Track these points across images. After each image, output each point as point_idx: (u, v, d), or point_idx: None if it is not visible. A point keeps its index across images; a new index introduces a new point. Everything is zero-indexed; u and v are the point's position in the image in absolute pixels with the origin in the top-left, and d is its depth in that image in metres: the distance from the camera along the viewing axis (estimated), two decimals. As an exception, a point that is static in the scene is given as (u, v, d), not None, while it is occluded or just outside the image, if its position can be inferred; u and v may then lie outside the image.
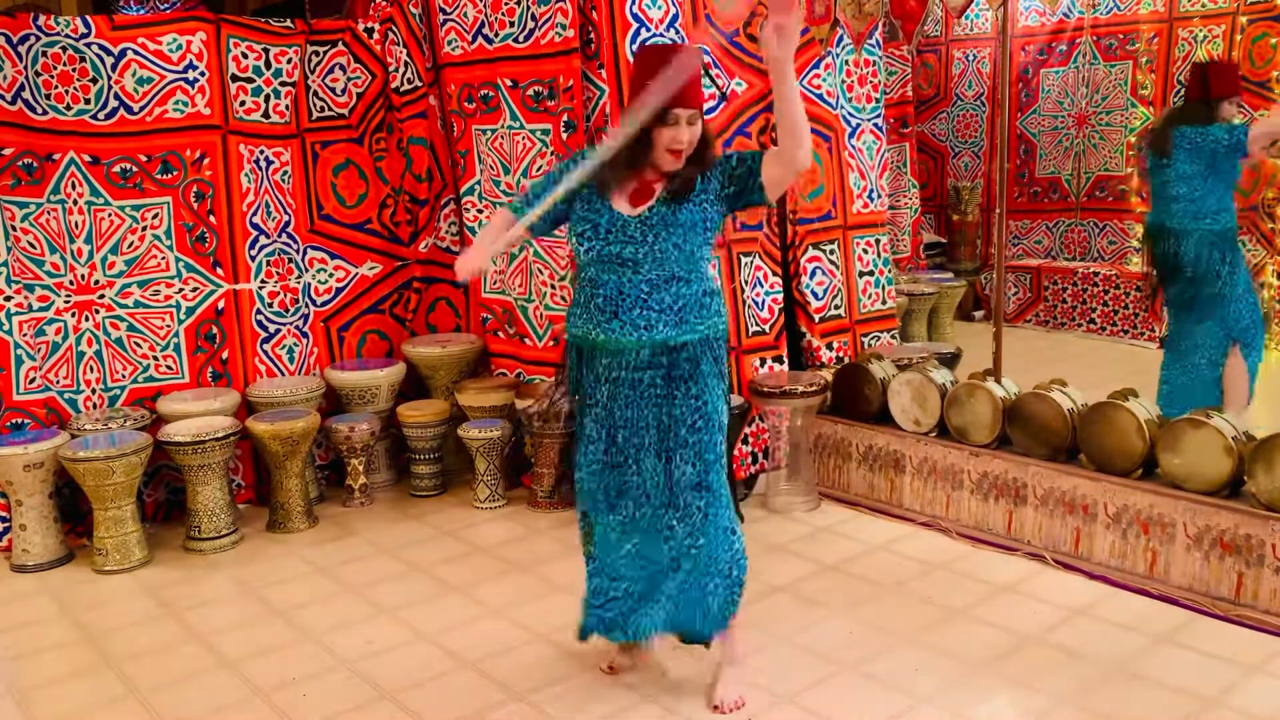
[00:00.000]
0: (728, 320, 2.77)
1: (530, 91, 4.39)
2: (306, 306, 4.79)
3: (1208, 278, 4.29)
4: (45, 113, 4.17)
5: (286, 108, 4.66)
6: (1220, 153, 4.18)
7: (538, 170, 4.46)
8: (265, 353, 4.66)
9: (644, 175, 2.66)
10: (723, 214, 2.69)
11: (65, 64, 4.17)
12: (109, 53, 4.23)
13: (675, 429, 2.66)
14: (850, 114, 5.09)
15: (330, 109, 4.80)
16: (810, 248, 4.88)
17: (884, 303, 5.22)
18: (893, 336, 5.24)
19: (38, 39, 4.11)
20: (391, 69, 4.83)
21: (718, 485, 2.73)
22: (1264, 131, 4.20)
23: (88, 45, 4.19)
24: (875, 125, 5.22)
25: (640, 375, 2.65)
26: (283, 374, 4.70)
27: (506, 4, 4.37)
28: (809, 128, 2.58)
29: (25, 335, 4.18)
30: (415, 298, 5.06)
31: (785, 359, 4.67)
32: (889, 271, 5.26)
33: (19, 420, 4.17)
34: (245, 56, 4.51)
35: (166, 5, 9.43)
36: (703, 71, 2.69)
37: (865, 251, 5.15)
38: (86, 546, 4.09)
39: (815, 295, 4.85)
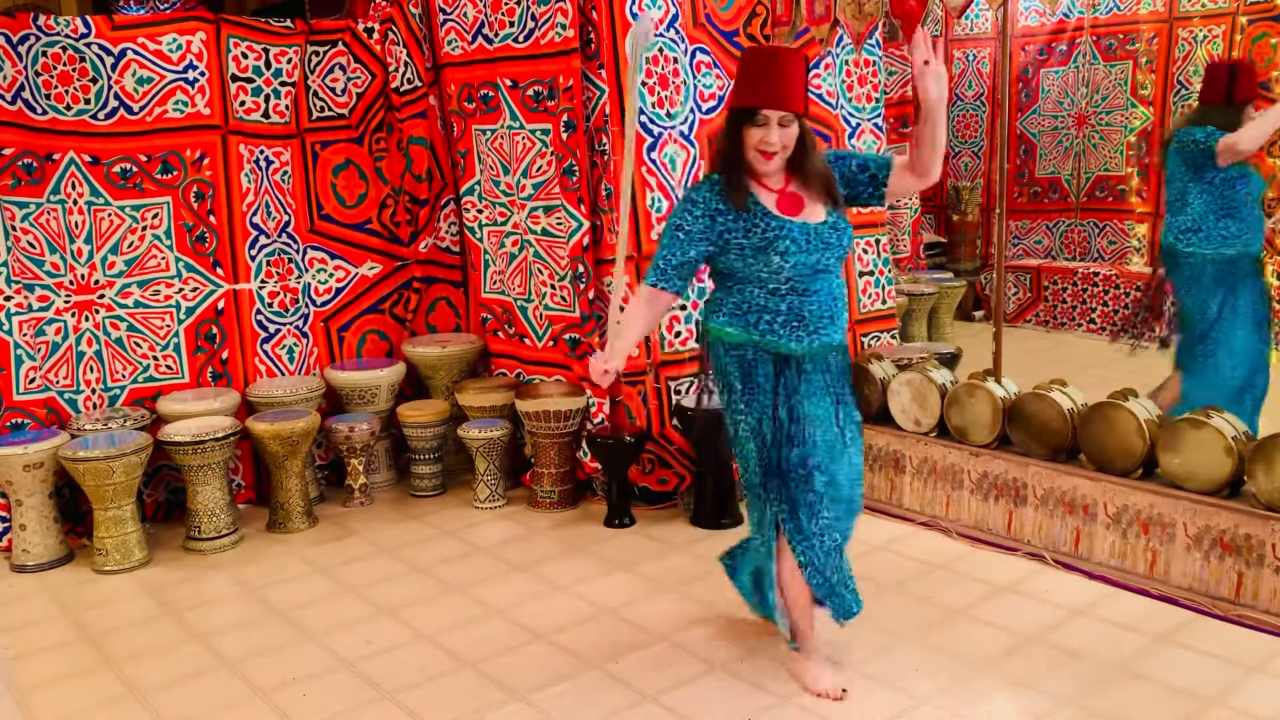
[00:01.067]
0: None
1: (530, 91, 4.39)
2: (306, 306, 4.79)
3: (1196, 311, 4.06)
4: (45, 113, 4.17)
5: (286, 108, 4.66)
6: (1198, 159, 3.94)
7: (538, 170, 4.46)
8: (265, 353, 4.66)
9: (760, 182, 2.70)
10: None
11: (65, 64, 4.17)
12: (109, 53, 4.23)
13: (844, 421, 2.82)
14: (850, 114, 5.09)
15: (330, 109, 4.80)
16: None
17: (884, 303, 5.22)
18: (893, 336, 5.24)
19: (38, 39, 4.11)
20: (391, 69, 4.83)
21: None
22: (1229, 145, 3.88)
23: (88, 45, 4.19)
24: (875, 125, 5.22)
25: (825, 376, 2.77)
26: (283, 374, 4.70)
27: (506, 4, 4.37)
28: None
29: (25, 335, 4.18)
30: (415, 298, 5.06)
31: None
32: (889, 271, 5.26)
33: (19, 420, 4.17)
34: (245, 56, 4.51)
35: (166, 5, 9.43)
36: (806, 75, 2.73)
37: (865, 251, 5.15)
38: (86, 546, 4.09)
39: (815, 295, 4.85)
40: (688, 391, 4.31)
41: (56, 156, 4.21)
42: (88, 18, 4.23)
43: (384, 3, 4.86)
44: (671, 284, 2.77)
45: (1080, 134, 7.13)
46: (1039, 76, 7.28)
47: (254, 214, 4.59)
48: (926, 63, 2.53)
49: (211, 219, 4.50)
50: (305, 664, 3.16)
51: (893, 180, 2.76)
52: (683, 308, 4.29)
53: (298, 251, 4.75)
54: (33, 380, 4.21)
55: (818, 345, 2.72)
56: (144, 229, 4.39)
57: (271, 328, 4.68)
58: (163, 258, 4.42)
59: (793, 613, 2.86)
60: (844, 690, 2.83)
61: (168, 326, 4.45)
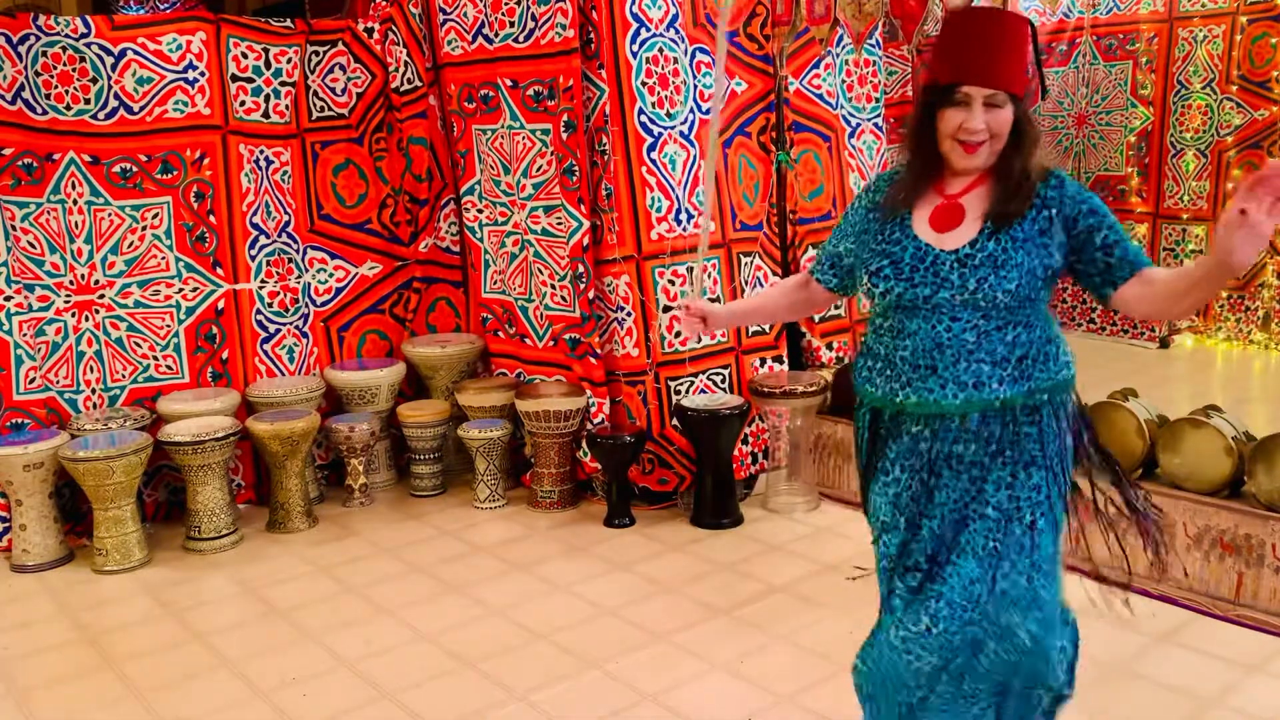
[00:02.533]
0: (1074, 370, 2.11)
1: (530, 91, 4.39)
2: (306, 306, 4.79)
3: None
4: (45, 113, 4.17)
5: (286, 108, 4.66)
6: None
7: (538, 170, 4.46)
8: (265, 353, 4.66)
9: (941, 184, 2.07)
10: (1061, 266, 2.03)
11: (65, 64, 4.17)
12: (109, 53, 4.23)
13: (1005, 524, 2.06)
14: (850, 114, 5.09)
15: (330, 109, 4.80)
16: (810, 247, 4.88)
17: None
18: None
19: (38, 39, 4.11)
20: (391, 69, 4.83)
21: (1053, 602, 2.12)
22: None
23: (88, 45, 4.19)
24: (875, 125, 5.22)
25: (963, 449, 2.05)
26: (283, 374, 4.69)
27: (506, 4, 4.37)
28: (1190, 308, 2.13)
29: (25, 335, 4.18)
30: (415, 298, 5.06)
31: (785, 359, 4.67)
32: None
33: (19, 420, 4.17)
34: (245, 56, 4.50)
35: (166, 5, 9.43)
36: (1033, 48, 2.10)
37: (865, 251, 5.15)
38: (86, 546, 4.08)
39: (815, 295, 4.85)
40: (686, 392, 4.32)
41: (56, 156, 4.21)
42: (88, 18, 4.23)
43: (384, 3, 4.86)
44: (823, 275, 2.28)
45: (1080, 134, 7.13)
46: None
47: (254, 214, 4.59)
48: (1243, 212, 1.66)
49: (211, 219, 4.49)
50: (305, 664, 3.16)
51: (1125, 289, 1.99)
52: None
53: (298, 251, 4.75)
54: (33, 380, 4.21)
55: (911, 401, 2.04)
56: (144, 229, 4.39)
57: (271, 328, 4.67)
58: (163, 258, 4.42)
59: None
60: None
61: (168, 326, 4.45)
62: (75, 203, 4.26)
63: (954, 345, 2.01)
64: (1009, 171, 2.01)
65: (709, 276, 4.39)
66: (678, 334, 4.31)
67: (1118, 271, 1.99)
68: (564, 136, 4.26)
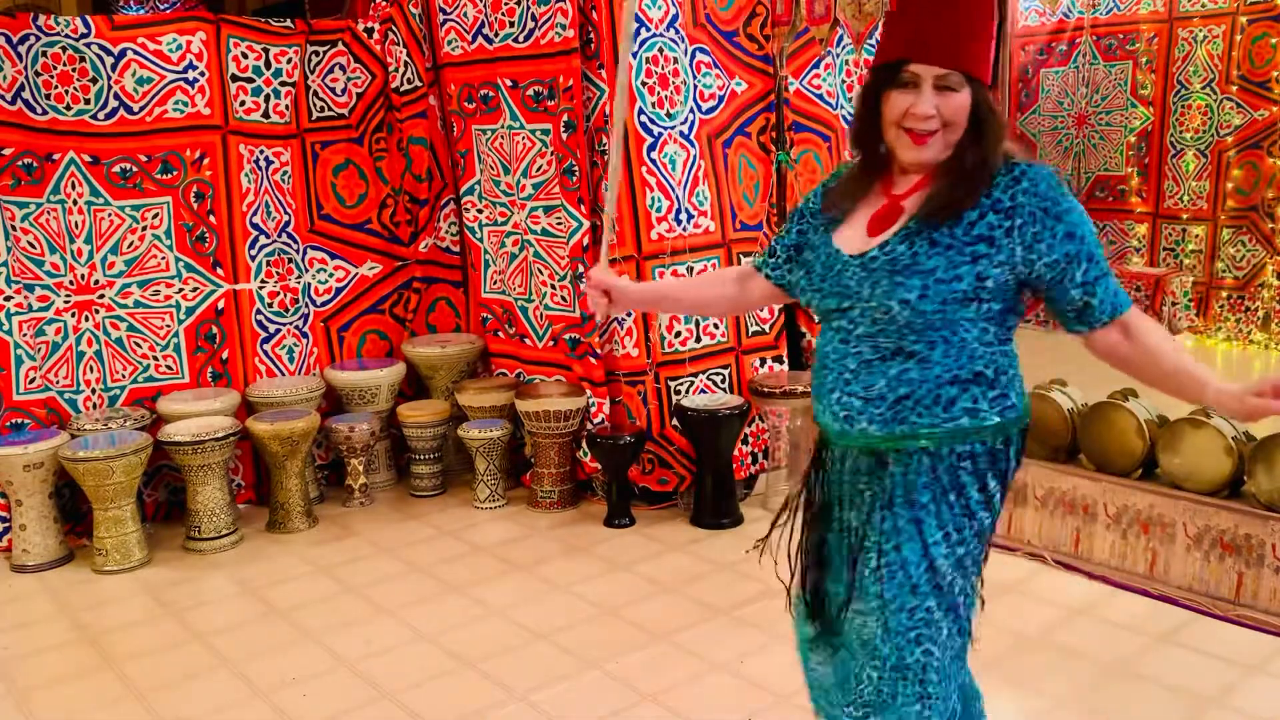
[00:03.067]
0: (1018, 419, 1.79)
1: (530, 91, 4.39)
2: (306, 306, 4.79)
3: None
4: (45, 113, 4.17)
5: (286, 108, 4.66)
6: None
7: (538, 170, 4.46)
8: (265, 353, 4.66)
9: (889, 183, 1.78)
10: (1015, 288, 1.71)
11: (65, 64, 4.17)
12: (109, 53, 4.23)
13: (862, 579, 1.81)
14: (850, 114, 5.09)
15: (330, 109, 4.80)
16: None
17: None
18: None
19: (38, 39, 4.11)
20: (391, 69, 4.83)
21: (921, 670, 1.79)
22: None
23: (88, 45, 4.19)
24: (875, 125, 5.22)
25: (860, 488, 1.82)
26: (283, 374, 4.69)
27: (506, 4, 4.37)
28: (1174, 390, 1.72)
29: (25, 335, 4.18)
30: (415, 298, 5.06)
31: (785, 359, 4.67)
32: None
33: (19, 420, 4.17)
34: (245, 56, 4.50)
35: (166, 5, 9.43)
36: (995, 24, 1.75)
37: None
38: (86, 546, 4.08)
39: (815, 295, 4.85)
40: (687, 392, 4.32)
41: (56, 156, 4.21)
42: (88, 18, 4.23)
43: (384, 3, 4.86)
44: (768, 266, 1.98)
45: (1080, 134, 7.13)
46: (1039, 76, 7.28)
47: (254, 214, 4.59)
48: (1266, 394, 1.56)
49: (211, 219, 4.49)
50: (305, 664, 3.16)
51: (1102, 335, 1.72)
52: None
53: (298, 251, 4.75)
54: (33, 380, 4.21)
55: (825, 421, 1.84)
56: (144, 229, 4.38)
57: (271, 328, 4.67)
58: (163, 258, 4.42)
59: None
60: None
61: (168, 326, 4.44)
62: (75, 203, 4.26)
63: (835, 370, 1.78)
64: (961, 166, 1.69)
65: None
66: (677, 334, 4.31)
67: (1096, 314, 1.70)
68: (564, 136, 4.26)
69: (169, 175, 4.40)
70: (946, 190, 1.69)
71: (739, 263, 4.48)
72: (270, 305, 4.66)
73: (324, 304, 4.85)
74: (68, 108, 4.20)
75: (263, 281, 4.64)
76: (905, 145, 1.71)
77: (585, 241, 4.29)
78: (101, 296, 4.33)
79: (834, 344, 1.79)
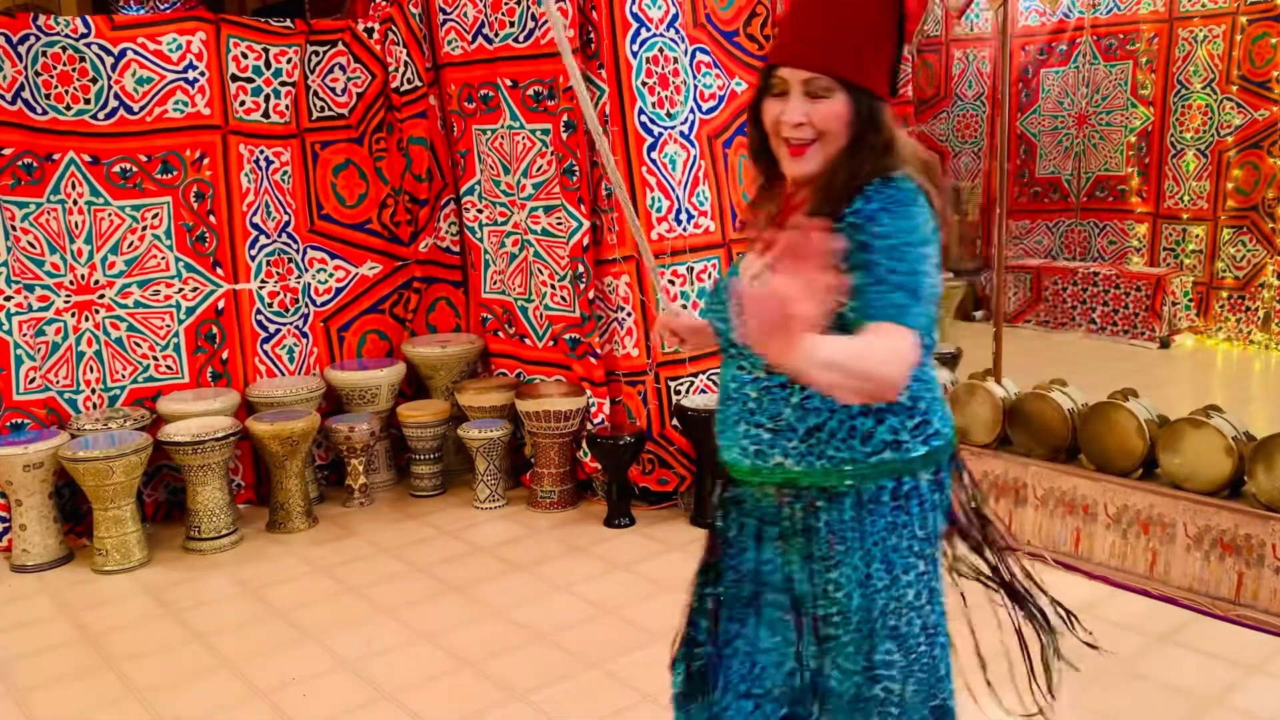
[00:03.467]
0: (946, 446, 1.68)
1: (530, 91, 4.39)
2: (306, 306, 4.79)
3: None
4: (45, 113, 4.17)
5: (286, 108, 4.66)
6: None
7: (538, 170, 4.46)
8: (265, 353, 4.66)
9: (786, 194, 1.67)
10: None
11: (65, 64, 4.17)
12: (109, 53, 4.23)
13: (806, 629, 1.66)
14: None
15: (330, 109, 4.80)
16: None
17: (884, 303, 5.22)
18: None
19: (38, 39, 4.11)
20: (391, 69, 4.83)
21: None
22: None
23: (88, 45, 4.19)
24: (875, 125, 5.22)
25: (769, 527, 1.68)
26: (283, 374, 4.69)
27: (506, 4, 4.37)
28: (867, 369, 1.36)
29: (25, 335, 4.18)
30: (415, 298, 5.06)
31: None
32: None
33: (19, 420, 4.17)
34: (245, 56, 4.50)
35: (166, 5, 9.43)
36: (891, 30, 1.58)
37: (865, 251, 5.15)
38: (86, 546, 4.08)
39: (815, 295, 4.85)
40: (688, 392, 4.32)
41: (56, 156, 4.21)
42: (88, 18, 4.23)
43: (384, 3, 4.86)
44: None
45: (1080, 134, 7.13)
46: (1039, 76, 7.28)
47: (254, 214, 4.59)
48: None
49: (211, 219, 4.49)
50: (305, 664, 3.16)
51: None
52: (683, 307, 4.29)
53: (298, 251, 4.75)
54: (33, 380, 4.21)
55: (733, 458, 1.67)
56: (144, 229, 4.38)
57: (271, 328, 4.67)
58: (163, 258, 4.42)
59: None
60: None
61: (168, 326, 4.44)
62: (75, 203, 4.26)
63: (738, 400, 1.63)
64: (830, 183, 1.55)
65: (708, 276, 4.38)
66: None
67: (863, 313, 1.47)
68: (564, 136, 4.26)
69: (169, 175, 4.40)
70: (816, 206, 1.55)
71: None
72: (270, 305, 4.66)
73: (324, 304, 4.85)
74: (68, 108, 4.20)
75: (263, 281, 4.64)
76: (785, 157, 1.60)
77: (585, 241, 4.29)
78: (101, 296, 4.34)
79: (733, 371, 1.65)
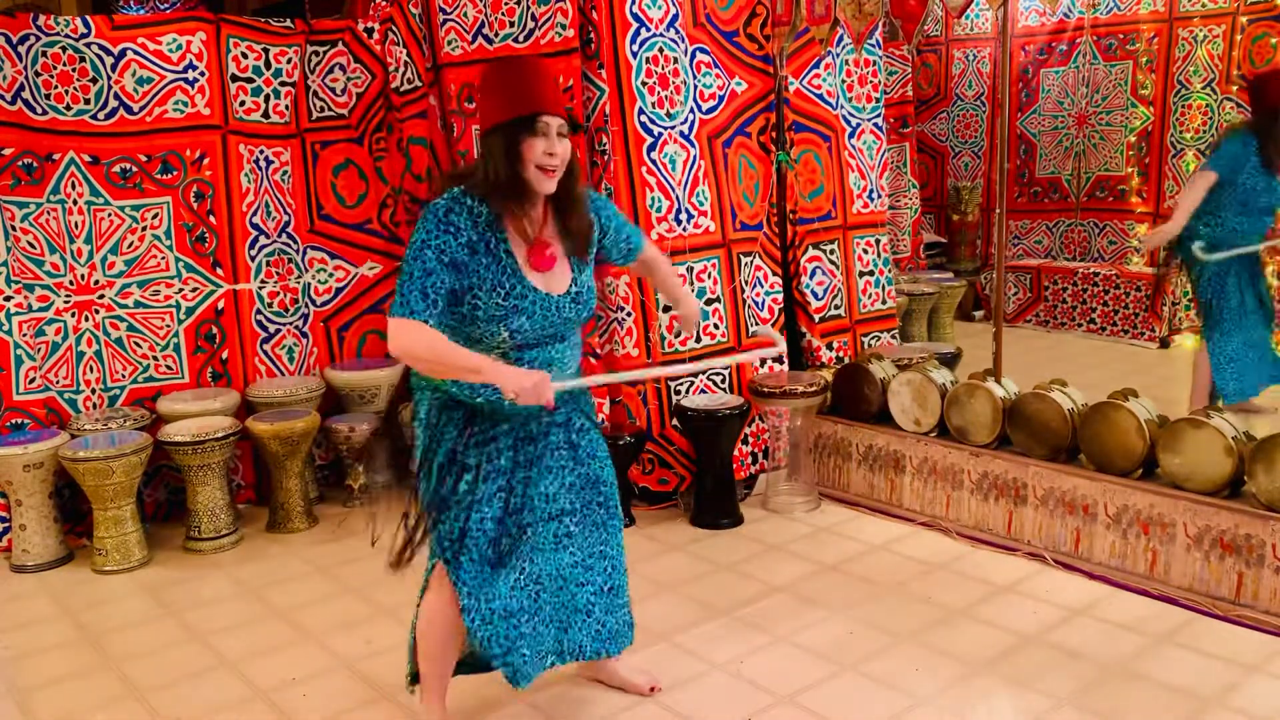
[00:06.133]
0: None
1: (530, 91, 4.38)
2: (306, 306, 4.79)
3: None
4: (45, 113, 4.17)
5: (286, 108, 4.66)
6: None
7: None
8: (265, 353, 4.66)
9: (533, 219, 2.37)
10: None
11: (65, 64, 4.17)
12: (109, 53, 4.23)
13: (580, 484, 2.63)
14: (850, 114, 5.09)
15: (330, 109, 4.80)
16: (810, 248, 4.88)
17: (884, 303, 5.22)
18: (893, 336, 5.24)
19: (38, 39, 4.11)
20: (391, 69, 4.83)
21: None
22: None
23: (88, 45, 4.19)
24: (875, 125, 5.22)
25: (552, 431, 2.55)
26: (283, 374, 4.70)
27: (506, 4, 4.37)
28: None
29: (25, 335, 4.18)
30: (415, 298, 5.04)
31: (785, 359, 4.67)
32: (889, 271, 5.26)
33: (19, 420, 4.17)
34: (245, 56, 4.51)
35: (166, 5, 9.43)
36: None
37: (865, 251, 5.15)
38: (86, 546, 4.09)
39: (815, 295, 4.85)
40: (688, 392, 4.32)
41: (56, 156, 4.21)
42: (88, 18, 4.23)
43: (384, 3, 4.86)
44: (435, 315, 2.27)
45: (1080, 134, 7.13)
46: (1039, 76, 7.29)
47: (254, 214, 4.59)
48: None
49: (211, 219, 4.50)
50: (305, 664, 3.16)
51: (642, 256, 2.68)
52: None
53: (298, 251, 4.75)
54: (33, 380, 4.21)
55: (520, 406, 2.33)
56: (144, 229, 4.39)
57: (271, 328, 4.67)
58: (163, 258, 4.42)
59: None
60: None
61: (168, 326, 4.45)
62: (75, 203, 4.26)
63: (564, 361, 2.46)
64: (575, 208, 2.39)
65: (708, 276, 4.38)
66: (678, 334, 4.31)
67: (633, 250, 2.63)
68: (564, 136, 4.26)
69: (169, 175, 4.40)
70: (585, 228, 2.43)
71: (739, 263, 4.48)
72: (270, 305, 4.66)
73: (324, 304, 4.85)
74: (68, 108, 4.20)
75: (263, 281, 4.64)
76: (540, 179, 2.28)
77: (585, 241, 4.28)
78: (101, 296, 4.34)
79: (548, 352, 2.43)
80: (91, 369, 4.34)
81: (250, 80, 4.53)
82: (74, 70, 4.19)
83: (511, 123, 2.25)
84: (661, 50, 4.22)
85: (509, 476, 2.49)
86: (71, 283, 4.28)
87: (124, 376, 4.39)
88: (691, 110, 4.34)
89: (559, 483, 2.58)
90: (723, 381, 4.42)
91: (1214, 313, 4.47)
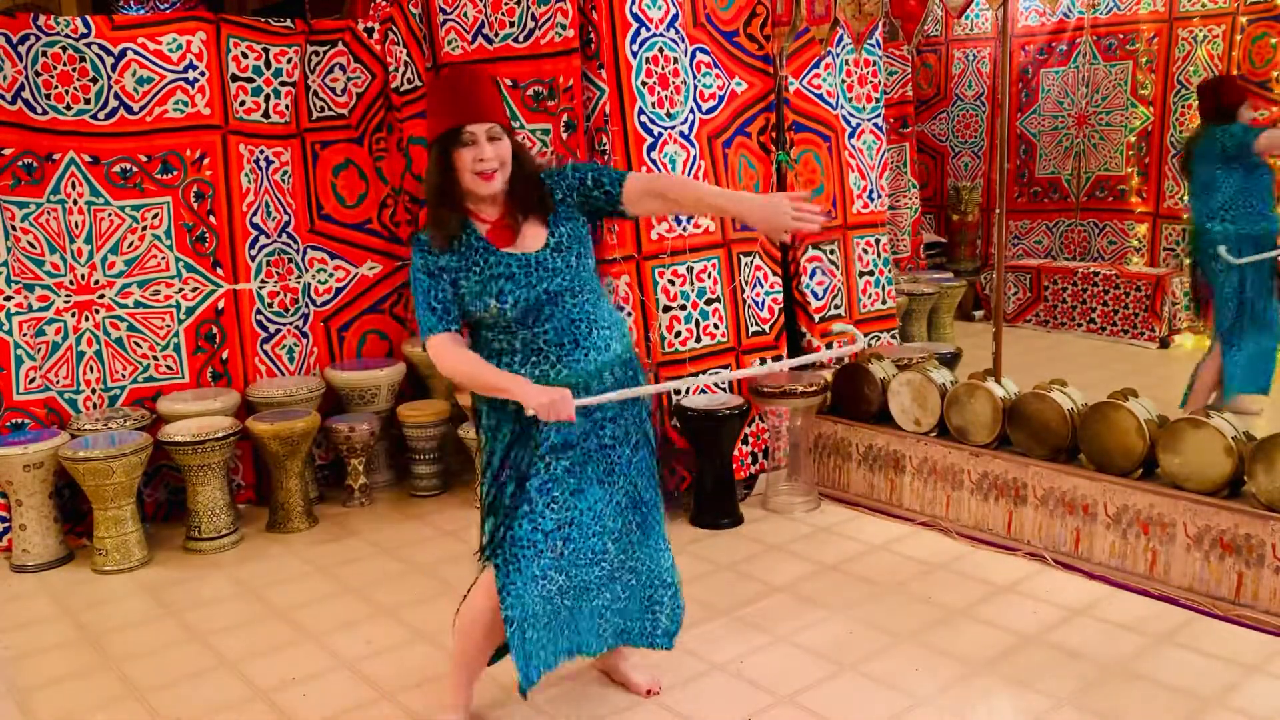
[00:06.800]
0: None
1: (530, 91, 4.38)
2: (306, 306, 4.79)
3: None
4: (45, 113, 4.17)
5: (286, 108, 4.66)
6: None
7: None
8: (265, 353, 4.66)
9: (478, 214, 2.50)
10: (586, 225, 2.57)
11: (65, 64, 4.17)
12: (109, 53, 4.23)
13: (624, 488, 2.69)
14: (850, 114, 5.09)
15: (330, 109, 4.80)
16: (810, 247, 4.88)
17: (884, 302, 5.22)
18: (893, 336, 5.24)
19: (38, 39, 4.11)
20: (391, 69, 4.83)
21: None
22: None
23: (88, 45, 4.19)
24: (875, 125, 5.22)
25: (591, 438, 2.58)
26: (283, 374, 4.70)
27: (506, 4, 4.37)
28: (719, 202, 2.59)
29: (25, 335, 4.18)
30: (415, 298, 5.05)
31: (785, 359, 4.67)
32: (889, 271, 5.27)
33: (19, 420, 4.17)
34: (245, 56, 4.51)
35: (166, 5, 9.43)
36: (499, 90, 2.53)
37: (865, 251, 5.15)
38: (86, 546, 4.09)
39: (815, 295, 4.85)
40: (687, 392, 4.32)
41: (56, 156, 4.21)
42: (88, 18, 4.23)
43: (384, 3, 4.86)
44: (451, 323, 2.48)
45: (1080, 134, 7.13)
46: (1039, 76, 7.29)
47: (254, 214, 4.59)
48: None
49: (211, 219, 4.50)
50: (305, 664, 3.16)
51: (630, 192, 2.52)
52: (682, 307, 4.29)
53: (298, 251, 4.75)
54: (33, 380, 4.21)
55: (565, 376, 2.47)
56: (144, 229, 4.39)
57: (271, 328, 4.68)
58: (163, 258, 4.42)
59: None
60: None
61: (168, 326, 4.45)
62: (75, 203, 4.26)
63: (587, 318, 2.52)
64: (517, 187, 2.47)
65: (708, 275, 4.38)
66: (678, 334, 4.31)
67: (613, 190, 2.50)
68: (564, 136, 4.26)
69: (169, 175, 4.40)
70: (541, 199, 2.49)
71: (739, 262, 4.48)
72: (270, 305, 4.66)
73: (324, 304, 4.85)
74: (68, 108, 4.20)
75: (263, 281, 4.64)
76: (480, 184, 2.42)
77: (585, 241, 4.28)
78: (101, 296, 4.34)
79: (553, 310, 2.47)
80: (91, 369, 4.34)
81: (250, 80, 4.53)
82: (74, 70, 4.19)
83: (440, 137, 2.43)
84: (661, 50, 4.22)
85: (561, 486, 2.55)
86: (72, 283, 4.28)
87: (124, 376, 4.39)
88: (691, 110, 4.34)
89: (605, 499, 2.62)
90: (723, 381, 4.42)
91: (1230, 312, 4.56)
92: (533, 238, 2.48)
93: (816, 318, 4.85)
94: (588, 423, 2.55)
